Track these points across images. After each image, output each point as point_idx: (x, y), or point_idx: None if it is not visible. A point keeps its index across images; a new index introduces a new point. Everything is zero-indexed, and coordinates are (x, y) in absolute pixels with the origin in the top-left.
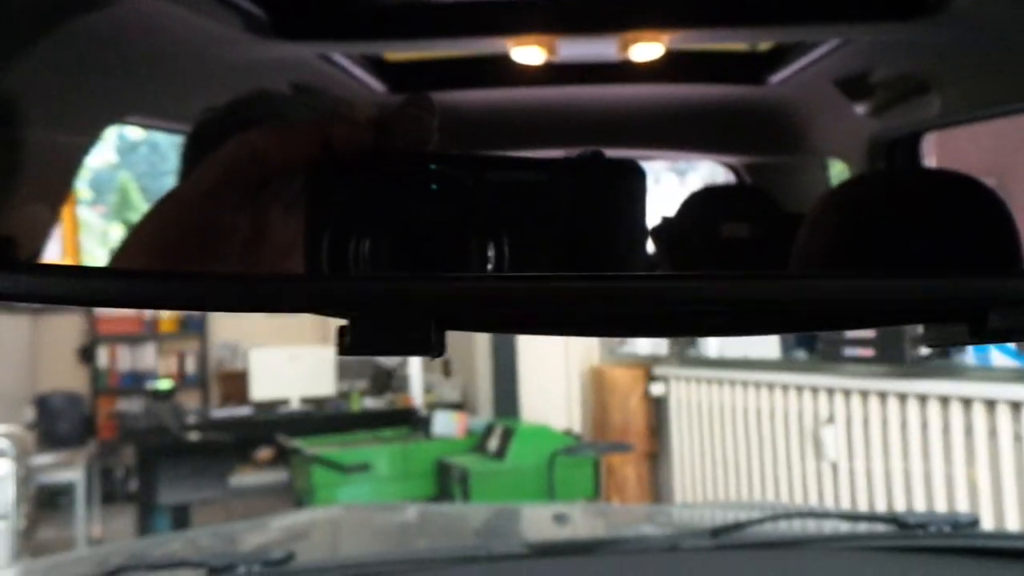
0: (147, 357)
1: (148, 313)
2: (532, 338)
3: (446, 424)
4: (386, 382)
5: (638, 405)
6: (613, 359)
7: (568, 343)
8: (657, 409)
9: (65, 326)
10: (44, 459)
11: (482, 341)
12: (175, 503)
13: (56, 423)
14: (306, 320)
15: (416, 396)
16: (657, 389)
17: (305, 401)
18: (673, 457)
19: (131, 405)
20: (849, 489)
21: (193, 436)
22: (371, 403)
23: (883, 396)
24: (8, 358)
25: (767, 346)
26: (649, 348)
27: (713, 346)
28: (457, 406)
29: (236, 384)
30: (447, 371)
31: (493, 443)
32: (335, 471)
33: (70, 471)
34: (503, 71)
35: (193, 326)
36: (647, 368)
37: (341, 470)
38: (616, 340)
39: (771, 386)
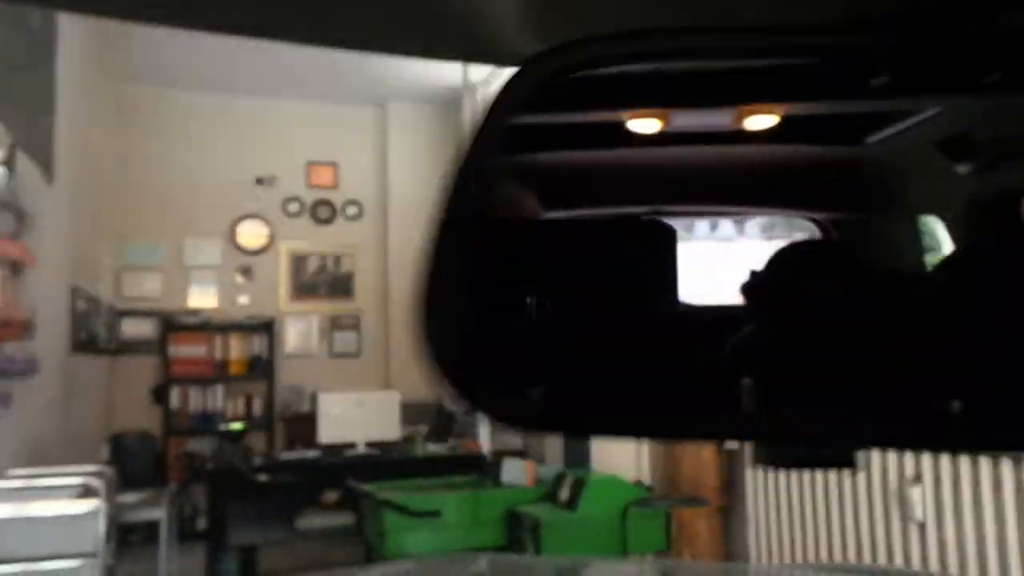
0: (216, 399)
1: (218, 355)
2: None
3: (515, 472)
4: (448, 427)
5: (710, 458)
6: None
7: None
8: (730, 462)
9: (140, 367)
10: (128, 498)
11: None
12: (244, 544)
13: (129, 462)
14: (367, 365)
15: (484, 443)
16: (730, 443)
17: (370, 445)
18: (748, 513)
19: (201, 445)
20: (938, 552)
21: (262, 477)
22: (434, 447)
23: (975, 455)
24: (87, 398)
25: None
26: None
27: None
28: (519, 452)
29: (301, 427)
30: None
31: (564, 493)
32: (405, 516)
33: (155, 510)
34: (619, 137)
35: (260, 369)
36: None
37: (411, 516)
38: None
39: None
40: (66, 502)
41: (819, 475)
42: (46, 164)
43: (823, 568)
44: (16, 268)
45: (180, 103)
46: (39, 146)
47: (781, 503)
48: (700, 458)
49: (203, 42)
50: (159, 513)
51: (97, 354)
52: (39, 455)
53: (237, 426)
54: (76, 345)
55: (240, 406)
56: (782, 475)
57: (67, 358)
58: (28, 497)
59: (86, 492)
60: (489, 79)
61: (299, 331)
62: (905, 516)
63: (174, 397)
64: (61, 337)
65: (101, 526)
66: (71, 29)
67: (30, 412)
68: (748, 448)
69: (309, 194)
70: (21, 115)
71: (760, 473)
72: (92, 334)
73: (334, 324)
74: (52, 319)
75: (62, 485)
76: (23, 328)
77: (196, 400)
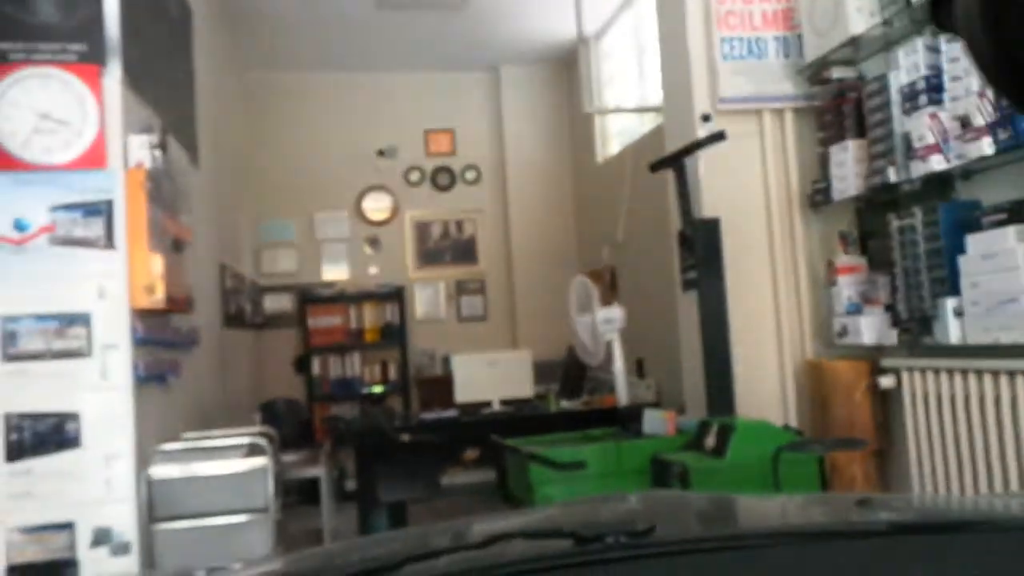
0: (354, 365)
1: (353, 324)
2: (745, 332)
3: (656, 422)
4: (579, 384)
5: (863, 400)
6: (832, 352)
7: (781, 335)
8: (884, 403)
9: (282, 339)
10: (288, 457)
11: (690, 336)
12: (392, 500)
13: (279, 427)
14: (494, 327)
15: (621, 396)
16: (886, 382)
17: (504, 403)
18: (909, 455)
19: (342, 410)
20: None
21: (405, 437)
22: (567, 404)
23: None
24: (239, 369)
25: (1021, 331)
26: (874, 337)
27: (953, 332)
28: (654, 405)
29: (434, 389)
30: (640, 372)
31: (711, 440)
32: (550, 469)
33: (314, 468)
34: None
35: (393, 336)
36: (872, 360)
37: (557, 468)
38: (836, 328)
39: None
40: (239, 460)
41: (990, 412)
42: (191, 148)
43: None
44: (178, 245)
45: (301, 84)
46: (184, 131)
47: (947, 443)
48: (852, 400)
49: (321, 25)
50: (318, 470)
51: (244, 328)
52: (204, 420)
53: (378, 389)
54: (226, 320)
55: (376, 372)
56: (946, 412)
57: (220, 331)
58: (203, 457)
59: (252, 452)
60: (602, 32)
61: (427, 297)
62: None
63: (315, 366)
64: (214, 312)
65: (270, 482)
66: (203, 20)
67: (194, 381)
68: (907, 386)
69: (429, 162)
70: (169, 101)
71: (921, 411)
72: (240, 309)
73: (460, 289)
74: (206, 295)
75: (232, 445)
76: (187, 302)
77: (335, 368)
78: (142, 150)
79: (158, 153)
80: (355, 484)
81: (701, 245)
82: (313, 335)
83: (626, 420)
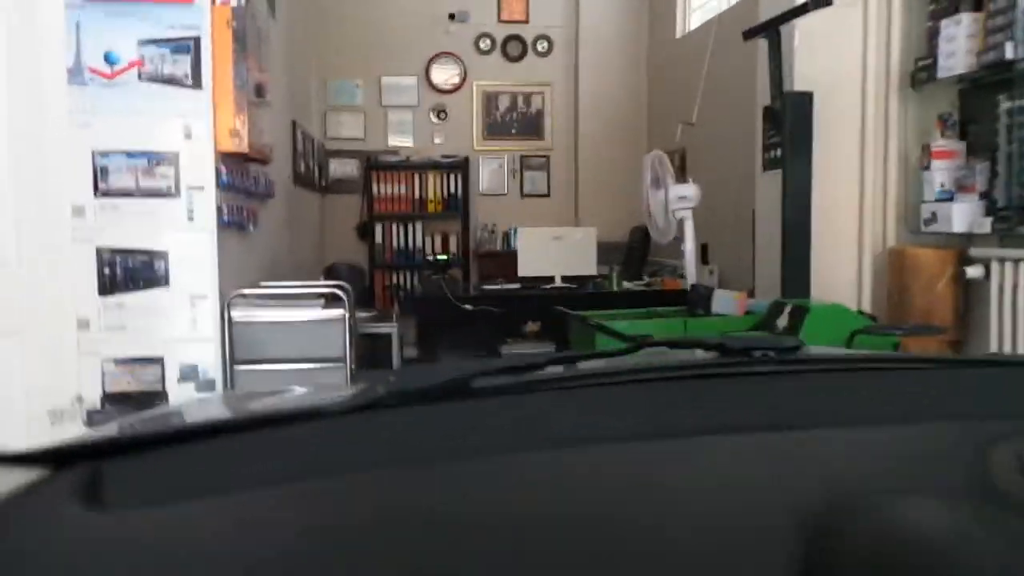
0: (416, 235)
1: (416, 194)
2: (826, 215)
3: (726, 303)
4: (640, 265)
5: (946, 289)
6: (916, 238)
7: (863, 219)
8: (967, 295)
9: (347, 204)
10: (360, 314)
11: (768, 217)
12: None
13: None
14: (557, 205)
15: (691, 276)
16: (973, 271)
17: (566, 280)
18: (989, 347)
19: (403, 279)
20: None
21: (467, 307)
22: (628, 284)
23: None
24: (305, 230)
25: None
26: (965, 225)
27: None
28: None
29: (494, 263)
30: (704, 258)
31: (782, 321)
32: (618, 341)
33: (387, 325)
34: None
35: (455, 207)
36: (960, 249)
37: (625, 340)
38: (924, 216)
39: None
40: (317, 309)
41: None
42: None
43: None
44: (260, 91)
45: None
46: None
47: None
48: (933, 289)
49: None
50: (391, 327)
51: (312, 190)
52: (275, 275)
53: (443, 257)
54: (296, 178)
55: (437, 243)
56: None
57: (291, 189)
58: (283, 305)
59: (328, 305)
60: None
61: (491, 170)
62: None
63: (377, 233)
64: (286, 169)
65: (347, 332)
66: None
67: (268, 233)
68: (995, 277)
69: (500, 30)
70: None
71: (1008, 303)
72: (308, 169)
73: (524, 163)
74: (279, 150)
75: (310, 294)
76: (267, 152)
77: (397, 236)
78: None
79: None
80: (415, 351)
81: (790, 120)
82: (377, 202)
83: (695, 300)
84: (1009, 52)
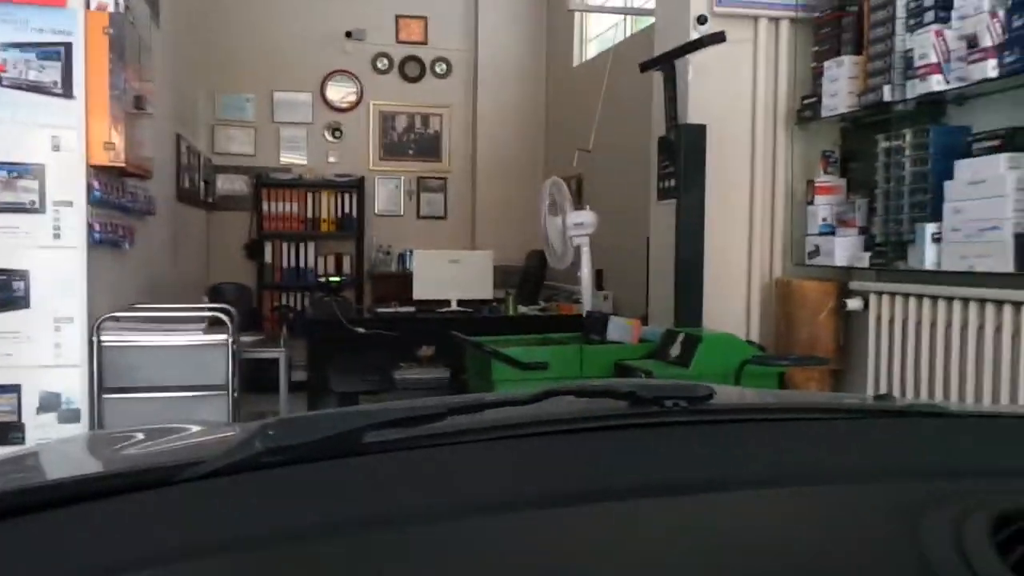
0: (308, 255)
1: (310, 213)
2: (717, 245)
3: (621, 330)
4: (536, 290)
5: (828, 320)
6: (801, 270)
7: (752, 251)
8: (848, 326)
9: (235, 222)
10: (247, 337)
11: (661, 246)
12: (344, 391)
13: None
14: (454, 227)
15: (586, 302)
16: (853, 304)
17: (462, 304)
18: (867, 377)
19: (293, 300)
20: None
21: (360, 330)
22: (524, 309)
23: None
24: (189, 248)
25: (996, 258)
26: (846, 259)
27: (929, 257)
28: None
29: (388, 285)
30: (599, 283)
31: (675, 349)
32: (513, 368)
33: (274, 350)
34: None
35: (350, 227)
36: (841, 281)
37: (520, 367)
38: (808, 248)
39: (1000, 303)
40: (198, 334)
41: (955, 339)
42: (153, 4)
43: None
44: (139, 103)
45: None
46: None
47: (908, 367)
48: (817, 320)
49: None
50: (277, 352)
51: (197, 206)
52: (154, 296)
53: (336, 278)
54: (180, 194)
55: (331, 263)
56: (910, 336)
57: (174, 205)
58: (159, 328)
59: (211, 329)
60: None
61: (387, 191)
62: None
63: (267, 252)
64: (168, 184)
65: (231, 358)
66: None
67: (147, 252)
68: (873, 309)
69: (398, 50)
70: None
71: (885, 334)
72: (193, 185)
73: (421, 185)
74: (161, 165)
75: (190, 317)
76: (146, 166)
77: (288, 256)
78: None
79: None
80: (304, 374)
81: (685, 151)
82: (267, 220)
83: (589, 326)
84: (887, 94)
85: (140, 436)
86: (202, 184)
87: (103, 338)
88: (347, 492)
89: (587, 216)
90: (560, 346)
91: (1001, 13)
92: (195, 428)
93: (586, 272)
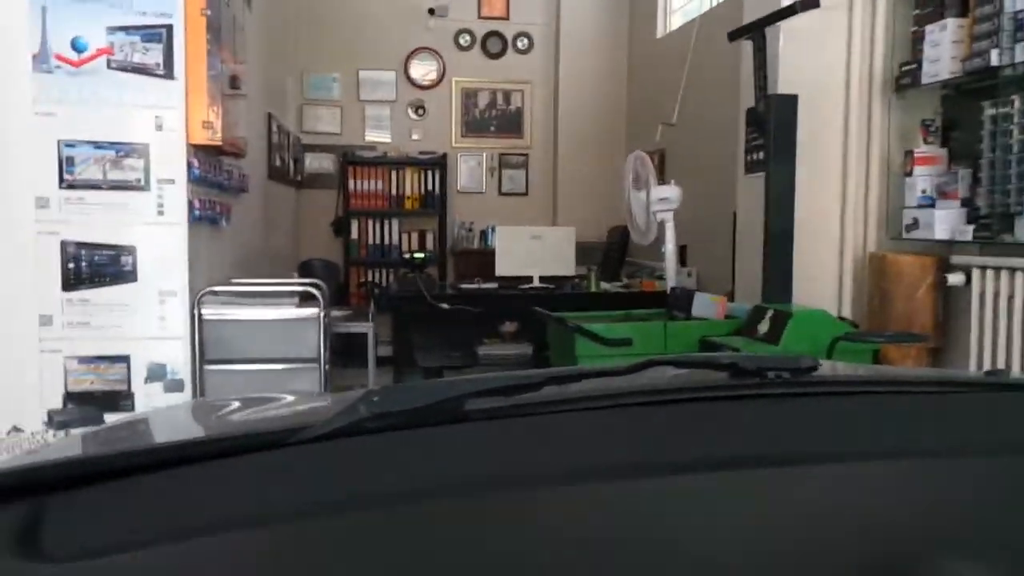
0: (392, 232)
1: (393, 191)
2: (808, 219)
3: (706, 306)
4: (618, 266)
5: (926, 296)
6: (898, 244)
7: (845, 225)
8: (948, 302)
9: (322, 199)
10: (336, 312)
11: (749, 220)
12: (429, 366)
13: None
14: (535, 204)
15: (671, 278)
16: (955, 279)
17: (544, 280)
18: (969, 355)
19: (378, 276)
20: None
21: (444, 305)
22: (607, 286)
23: None
24: (280, 225)
25: None
26: (947, 232)
27: None
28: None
29: (472, 261)
30: (683, 260)
31: (764, 326)
32: (597, 344)
33: (363, 325)
34: None
35: (433, 204)
36: (941, 256)
37: (603, 343)
38: (906, 222)
39: None
40: (291, 308)
41: None
42: None
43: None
44: (234, 82)
45: None
46: None
47: (1014, 343)
48: (914, 296)
49: None
50: (366, 327)
51: (287, 184)
52: (248, 271)
53: (420, 255)
54: (271, 172)
55: (414, 240)
56: (1016, 313)
57: (265, 183)
58: (255, 303)
59: (303, 303)
60: None
61: (469, 168)
62: None
63: (353, 229)
64: (261, 162)
65: (321, 332)
66: None
67: (241, 229)
68: (976, 285)
69: (480, 26)
70: None
71: (989, 311)
72: (284, 164)
73: (503, 162)
74: (254, 143)
75: (284, 292)
76: (242, 145)
77: (373, 233)
78: None
79: None
80: (390, 350)
81: (774, 123)
82: (353, 198)
83: (674, 302)
84: (995, 59)
85: (245, 404)
86: (291, 163)
87: (203, 312)
88: (451, 456)
89: (672, 191)
90: (644, 323)
91: None
92: (293, 397)
93: (670, 248)
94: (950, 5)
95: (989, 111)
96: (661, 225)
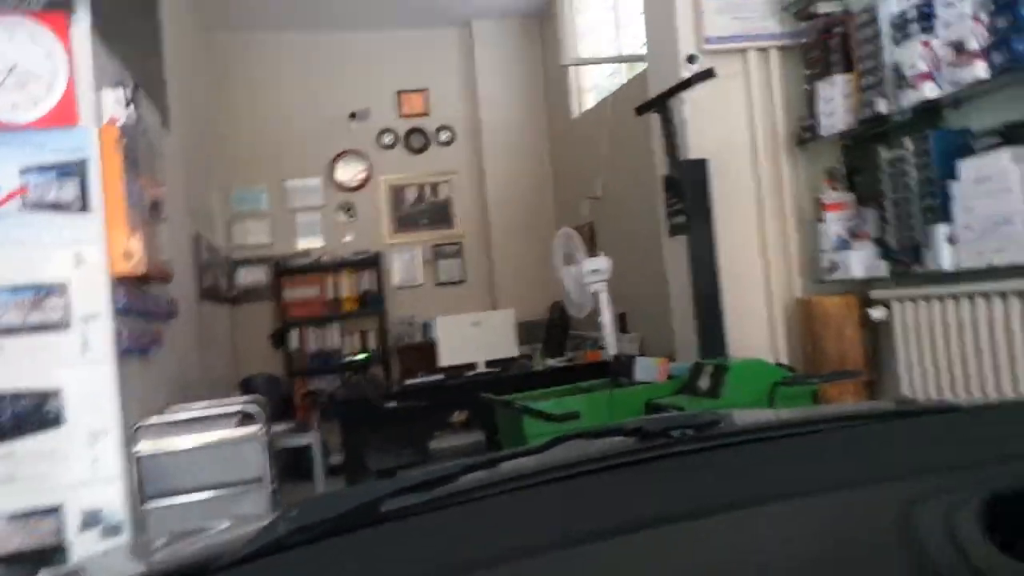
0: (333, 337)
1: (330, 294)
2: (733, 273)
3: (648, 369)
4: (562, 341)
5: (853, 333)
6: (821, 288)
7: (769, 274)
8: (875, 336)
9: (258, 313)
10: (276, 428)
11: (678, 281)
12: (382, 468)
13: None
14: (473, 291)
15: (610, 347)
16: (877, 314)
17: (490, 364)
18: (900, 384)
19: (323, 383)
20: None
21: (391, 404)
22: (552, 362)
23: None
24: (216, 345)
25: (1013, 250)
26: (863, 271)
27: (946, 258)
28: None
29: (416, 356)
30: (623, 326)
31: (704, 381)
32: (545, 421)
33: (306, 436)
34: None
35: (371, 304)
36: (862, 294)
37: (551, 420)
38: (824, 265)
39: (1022, 293)
40: (230, 430)
41: (984, 337)
42: (162, 109)
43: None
44: (155, 209)
45: (268, 45)
46: (154, 91)
47: (941, 370)
48: (843, 335)
49: None
50: (309, 438)
51: (220, 302)
52: (185, 398)
53: (363, 356)
54: (203, 292)
55: (356, 342)
56: (938, 339)
57: (197, 304)
58: (192, 429)
59: (243, 422)
60: None
61: (404, 263)
62: None
63: (293, 339)
64: (190, 284)
65: (265, 450)
66: None
67: (174, 355)
68: (898, 317)
69: (402, 124)
70: (138, 57)
71: (913, 340)
72: (215, 282)
73: (437, 253)
74: (181, 266)
75: (221, 414)
76: (167, 271)
77: (314, 340)
78: (115, 105)
79: (131, 110)
80: (341, 457)
81: (689, 187)
82: (290, 307)
83: (616, 369)
84: (882, 107)
85: (172, 539)
86: (224, 279)
87: (139, 447)
88: (370, 559)
89: (601, 262)
90: (589, 394)
91: (984, 16)
92: (226, 524)
93: (607, 317)
94: (836, 63)
95: (885, 155)
96: (596, 296)
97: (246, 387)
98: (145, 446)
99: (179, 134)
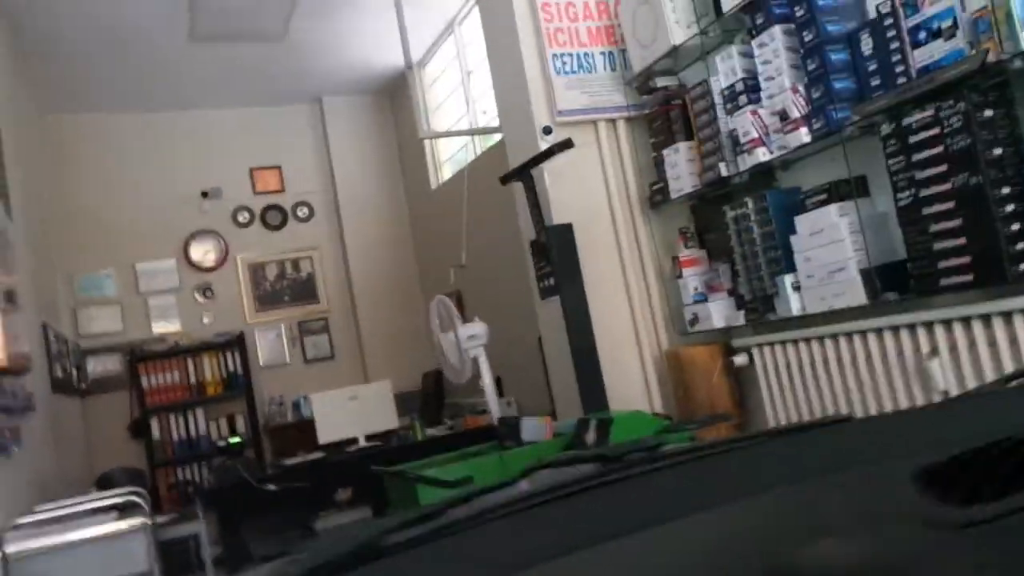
0: (199, 423)
1: (193, 379)
2: (604, 331)
3: (534, 429)
4: (439, 410)
5: (720, 380)
6: (687, 339)
7: (638, 329)
8: (740, 381)
9: (113, 404)
10: (161, 519)
11: (554, 341)
12: (268, 555)
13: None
14: (343, 365)
15: (494, 411)
16: (739, 360)
17: (370, 438)
18: (768, 422)
19: (190, 472)
20: None
21: (271, 487)
22: (432, 431)
23: (987, 319)
24: (70, 440)
25: (849, 295)
26: (723, 321)
27: (794, 305)
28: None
29: (288, 436)
30: (500, 391)
31: (590, 436)
32: (440, 488)
33: (192, 526)
34: None
35: (237, 386)
36: (724, 342)
37: (445, 486)
38: (687, 318)
39: (864, 333)
40: (112, 523)
41: (835, 372)
42: (4, 196)
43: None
44: (10, 297)
45: (109, 125)
46: None
47: (801, 406)
48: (710, 381)
49: (128, 62)
50: (196, 527)
51: (70, 395)
52: (46, 496)
53: (236, 440)
54: (54, 385)
55: (224, 426)
56: (796, 378)
57: (50, 397)
58: (68, 527)
59: (123, 515)
60: (425, 59)
61: (269, 341)
62: (928, 388)
63: (155, 428)
64: (42, 376)
65: (146, 543)
66: (2, 58)
67: (33, 450)
68: (758, 361)
69: (257, 201)
70: None
71: (774, 381)
72: (66, 374)
73: (304, 329)
74: (33, 357)
75: (100, 508)
76: (24, 361)
77: (178, 427)
78: None
79: None
80: (220, 548)
81: (557, 250)
82: (148, 395)
83: (502, 432)
84: (724, 170)
85: None
86: (74, 370)
87: (9, 550)
88: None
89: (478, 327)
90: (478, 458)
91: (801, 88)
92: None
93: (488, 381)
94: (678, 131)
95: (730, 214)
96: (475, 361)
97: (104, 483)
98: (16, 548)
99: (22, 222)
